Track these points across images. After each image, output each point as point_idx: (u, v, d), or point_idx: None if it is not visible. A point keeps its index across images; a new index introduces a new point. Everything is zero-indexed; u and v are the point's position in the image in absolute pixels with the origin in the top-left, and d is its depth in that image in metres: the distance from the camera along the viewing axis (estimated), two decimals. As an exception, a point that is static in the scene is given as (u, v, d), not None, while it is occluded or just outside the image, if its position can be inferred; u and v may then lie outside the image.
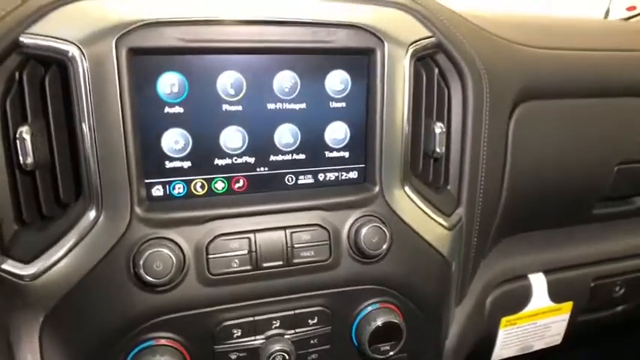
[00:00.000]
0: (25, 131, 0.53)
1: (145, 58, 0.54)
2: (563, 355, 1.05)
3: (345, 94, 0.62)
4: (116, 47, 0.52)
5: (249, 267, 0.59)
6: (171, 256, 0.55)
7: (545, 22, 0.83)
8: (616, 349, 1.39)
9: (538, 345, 0.93)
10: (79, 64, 0.52)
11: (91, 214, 0.55)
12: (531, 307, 0.88)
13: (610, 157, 0.84)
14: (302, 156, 0.62)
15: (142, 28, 0.52)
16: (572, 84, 0.77)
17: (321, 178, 0.64)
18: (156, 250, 0.54)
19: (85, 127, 0.53)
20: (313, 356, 0.64)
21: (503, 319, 0.86)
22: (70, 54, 0.52)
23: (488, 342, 0.87)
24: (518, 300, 0.87)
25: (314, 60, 0.60)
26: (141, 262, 0.54)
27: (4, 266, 0.56)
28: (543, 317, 0.89)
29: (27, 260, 0.56)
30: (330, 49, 0.59)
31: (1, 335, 0.61)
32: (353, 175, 0.65)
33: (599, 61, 0.80)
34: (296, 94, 0.60)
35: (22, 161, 0.53)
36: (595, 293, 0.92)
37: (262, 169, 0.61)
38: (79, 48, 0.52)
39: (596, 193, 0.87)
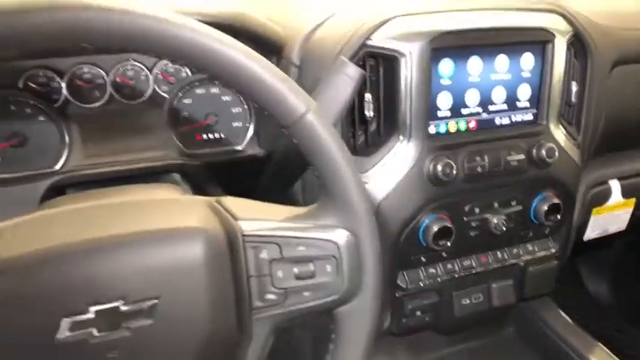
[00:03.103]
0: (369, 97, 0.93)
1: (435, 51, 0.93)
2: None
3: (530, 67, 1.03)
4: (426, 47, 0.92)
5: (486, 171, 1.01)
6: (450, 163, 0.96)
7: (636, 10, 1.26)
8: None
9: (612, 229, 1.39)
10: (405, 58, 0.91)
11: (404, 143, 0.94)
12: (610, 202, 1.33)
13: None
14: (505, 106, 1.03)
15: (439, 36, 0.92)
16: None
17: (513, 119, 1.06)
18: (441, 161, 0.96)
19: (407, 95, 0.92)
20: (512, 225, 1.07)
21: (594, 210, 1.31)
22: (400, 53, 0.90)
23: (584, 225, 1.32)
24: (603, 197, 1.32)
25: (517, 47, 1.00)
26: (437, 168, 0.95)
27: None
28: (617, 209, 1.35)
29: (363, 171, 0.96)
30: (527, 41, 1.00)
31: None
32: (530, 116, 1.06)
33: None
34: (506, 69, 1.01)
35: (367, 115, 0.93)
36: (652, 192, 1.38)
37: (485, 115, 1.02)
38: (405, 48, 0.91)
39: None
